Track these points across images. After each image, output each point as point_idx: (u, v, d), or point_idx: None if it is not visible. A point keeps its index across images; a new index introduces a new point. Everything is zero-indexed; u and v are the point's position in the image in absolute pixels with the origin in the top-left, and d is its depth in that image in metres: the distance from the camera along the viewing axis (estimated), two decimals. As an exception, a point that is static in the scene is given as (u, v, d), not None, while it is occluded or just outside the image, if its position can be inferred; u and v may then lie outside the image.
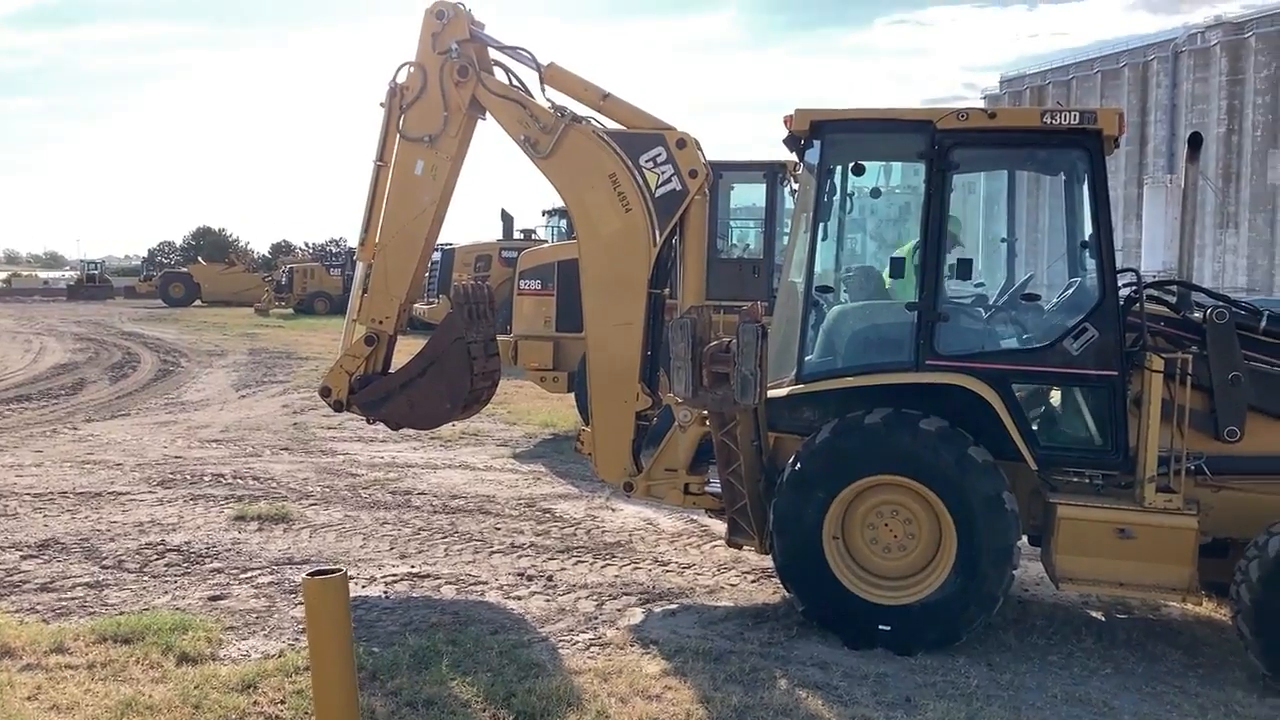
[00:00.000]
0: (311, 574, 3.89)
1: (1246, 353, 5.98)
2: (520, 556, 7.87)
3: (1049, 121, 5.98)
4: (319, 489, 9.99)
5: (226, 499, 9.43)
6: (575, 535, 8.51)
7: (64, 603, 6.59)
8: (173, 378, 19.85)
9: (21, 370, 20.63)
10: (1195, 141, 6.46)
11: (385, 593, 6.96)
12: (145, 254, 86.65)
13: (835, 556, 6.13)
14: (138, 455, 11.60)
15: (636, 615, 6.61)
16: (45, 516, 8.71)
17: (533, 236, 25.83)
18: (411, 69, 7.17)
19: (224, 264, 57.36)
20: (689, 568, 7.69)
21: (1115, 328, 5.92)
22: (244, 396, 17.22)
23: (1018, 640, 6.29)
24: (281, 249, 79.84)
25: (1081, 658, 6.09)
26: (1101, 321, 5.93)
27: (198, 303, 51.06)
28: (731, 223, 13.37)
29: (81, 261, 73.44)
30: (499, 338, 14.45)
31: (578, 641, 6.12)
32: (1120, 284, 6.13)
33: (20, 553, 7.64)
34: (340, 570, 3.82)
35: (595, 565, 7.69)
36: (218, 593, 6.84)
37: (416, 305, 22.57)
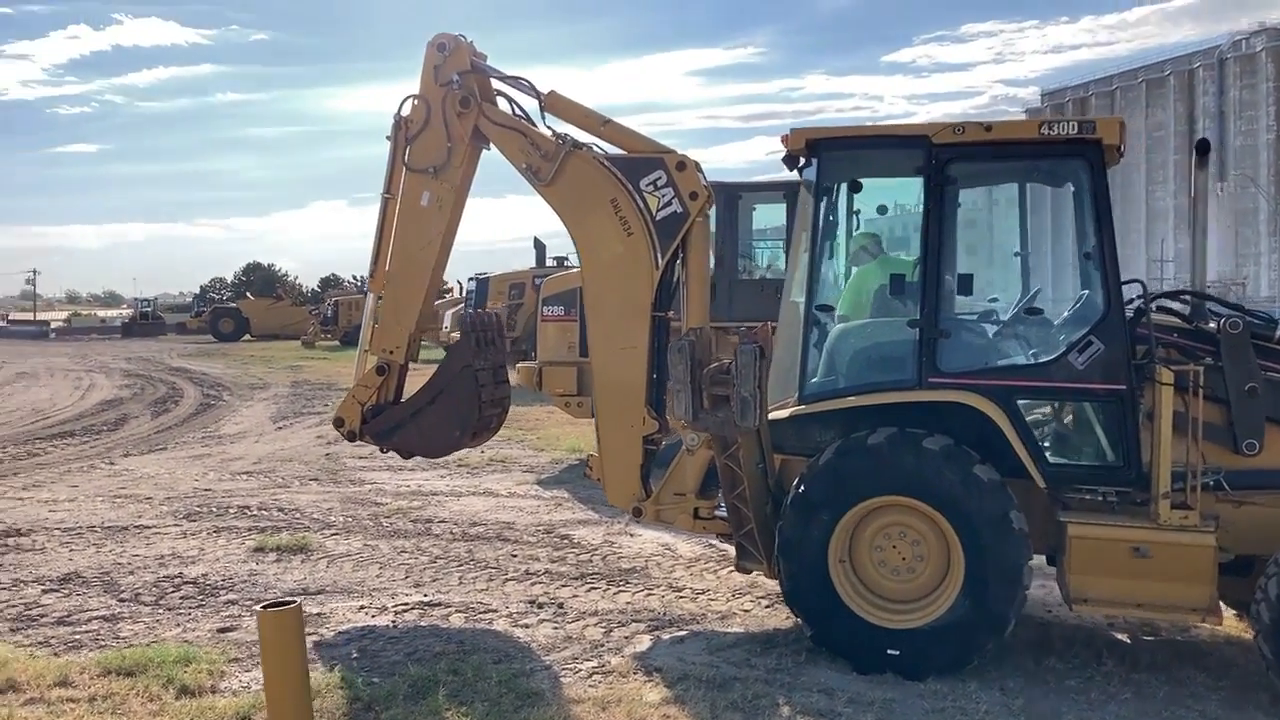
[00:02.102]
0: (265, 606, 3.86)
1: (1263, 363, 5.79)
2: (534, 583, 7.84)
3: (1046, 133, 5.86)
4: (341, 519, 10.05)
5: (249, 530, 9.52)
6: (591, 561, 8.46)
7: (77, 636, 6.66)
8: (213, 411, 20.18)
9: (69, 407, 21.08)
10: (1203, 148, 6.29)
11: (393, 622, 6.95)
12: (198, 290, 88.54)
13: (842, 580, 6.02)
14: (168, 489, 11.76)
15: (644, 642, 6.53)
16: (71, 550, 8.84)
17: (565, 264, 25.92)
18: (415, 101, 7.23)
19: (272, 299, 58.47)
20: (703, 593, 7.59)
21: (1121, 340, 5.76)
22: (280, 428, 17.44)
23: (1034, 664, 6.11)
24: (330, 282, 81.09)
25: (1101, 682, 5.90)
26: (1106, 334, 5.76)
27: (247, 337, 52.04)
28: (754, 243, 13.33)
29: (136, 300, 75.34)
30: (523, 364, 14.47)
31: (580, 670, 6.05)
32: (1130, 296, 5.98)
33: (42, 587, 7.76)
34: (295, 602, 3.79)
35: (608, 592, 7.62)
36: (228, 624, 6.87)
37: (444, 333, 22.76)
